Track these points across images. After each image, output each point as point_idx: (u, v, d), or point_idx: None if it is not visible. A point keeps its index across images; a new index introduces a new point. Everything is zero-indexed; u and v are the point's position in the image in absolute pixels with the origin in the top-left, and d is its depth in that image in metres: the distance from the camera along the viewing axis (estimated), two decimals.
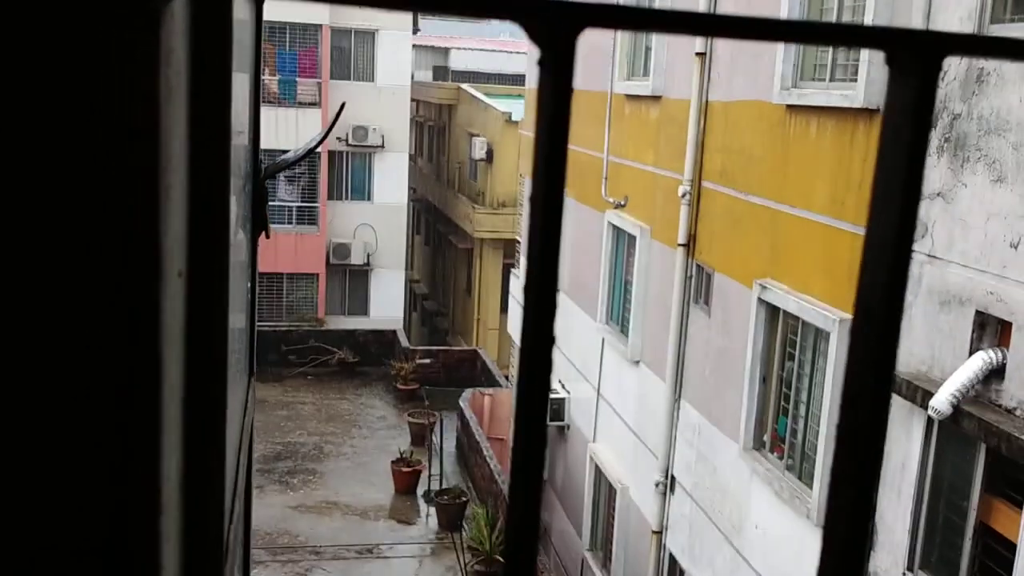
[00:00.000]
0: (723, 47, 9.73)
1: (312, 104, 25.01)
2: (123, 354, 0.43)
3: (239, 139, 1.32)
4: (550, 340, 0.45)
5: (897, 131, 0.46)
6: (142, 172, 0.42)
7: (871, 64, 7.11)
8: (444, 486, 16.91)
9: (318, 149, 24.87)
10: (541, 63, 0.43)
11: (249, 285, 1.57)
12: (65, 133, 0.40)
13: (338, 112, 2.96)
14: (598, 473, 12.94)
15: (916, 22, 6.61)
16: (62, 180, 0.42)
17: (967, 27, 6.16)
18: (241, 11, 1.25)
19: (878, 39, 0.46)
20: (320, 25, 24.90)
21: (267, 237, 1.61)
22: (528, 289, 0.44)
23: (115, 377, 0.42)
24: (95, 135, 0.40)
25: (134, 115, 0.41)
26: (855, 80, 7.43)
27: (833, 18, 7.93)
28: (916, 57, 0.45)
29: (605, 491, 12.78)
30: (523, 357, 0.45)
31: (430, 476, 17.19)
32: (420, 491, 17.29)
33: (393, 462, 17.52)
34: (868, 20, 7.14)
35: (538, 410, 0.46)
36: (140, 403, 0.44)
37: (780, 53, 8.40)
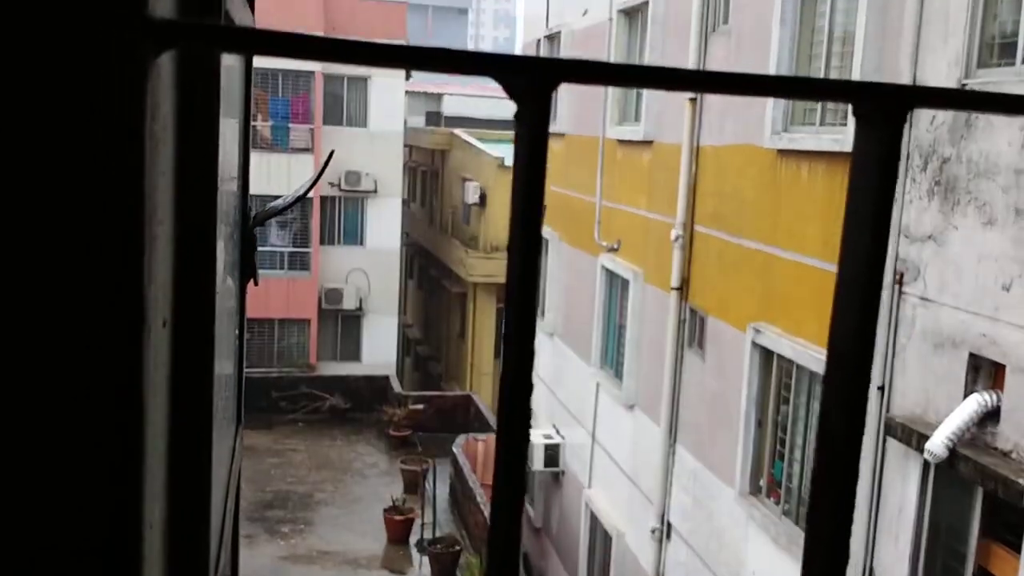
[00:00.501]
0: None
1: (305, 150, 25.17)
2: (105, 402, 0.43)
3: (228, 185, 1.33)
4: (528, 388, 0.46)
5: (864, 181, 0.47)
6: (126, 223, 0.42)
7: None
8: (437, 535, 16.72)
9: (310, 195, 24.99)
10: (517, 117, 0.44)
11: (237, 332, 1.57)
12: (51, 184, 0.41)
13: (326, 160, 2.99)
14: (593, 519, 12.82)
15: (904, 67, 6.71)
16: (47, 231, 0.43)
17: (954, 72, 6.25)
18: (230, 57, 1.27)
19: (845, 92, 0.48)
20: (313, 72, 25.17)
21: (255, 284, 1.62)
22: (507, 339, 0.44)
23: (97, 425, 0.42)
24: (81, 186, 0.41)
25: (119, 168, 0.41)
26: (844, 124, 7.53)
27: (822, 63, 8.06)
28: (882, 109, 0.47)
29: (601, 538, 12.65)
30: (502, 407, 0.45)
31: (423, 524, 17.00)
32: (413, 540, 17.08)
33: (385, 510, 17.32)
34: (856, 64, 7.24)
35: (519, 450, 0.46)
36: (121, 451, 0.45)
37: (770, 98, 8.51)
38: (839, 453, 0.47)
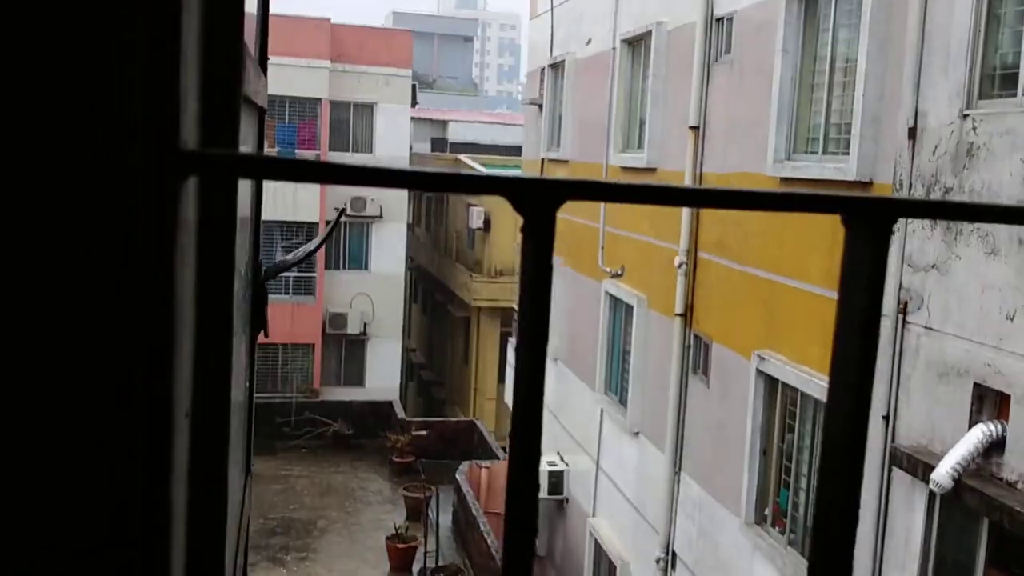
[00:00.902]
0: (716, 119, 9.91)
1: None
2: (137, 504, 0.45)
3: (242, 246, 1.35)
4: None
5: (854, 288, 0.49)
6: (158, 330, 0.45)
7: (863, 138, 7.24)
8: (440, 563, 16.61)
9: (315, 220, 25.09)
10: (523, 230, 0.47)
11: (247, 384, 1.60)
12: (94, 298, 0.44)
13: (338, 216, 3.03)
14: (598, 549, 12.75)
15: (906, 97, 6.75)
16: (93, 342, 0.45)
17: (956, 102, 6.28)
18: (243, 133, 1.30)
19: (832, 205, 0.50)
20: (320, 99, 25.34)
21: (266, 336, 1.64)
22: (513, 438, 0.46)
23: (129, 509, 0.45)
24: (116, 299, 0.43)
25: (153, 279, 0.44)
26: (847, 153, 7.56)
27: (824, 93, 8.11)
28: (868, 221, 0.49)
29: (605, 567, 12.57)
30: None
31: (426, 553, 16.90)
32: (416, 568, 16.98)
33: (388, 538, 17.24)
34: (859, 94, 7.28)
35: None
36: (150, 548, 0.47)
37: (773, 126, 8.56)
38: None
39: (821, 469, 0.53)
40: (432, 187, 0.44)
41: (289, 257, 2.35)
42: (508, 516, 0.45)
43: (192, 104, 0.55)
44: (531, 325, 0.46)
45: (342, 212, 3.17)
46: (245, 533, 1.49)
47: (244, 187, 1.33)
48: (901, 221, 6.85)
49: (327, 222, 25.70)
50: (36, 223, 0.43)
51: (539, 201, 0.45)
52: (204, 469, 0.68)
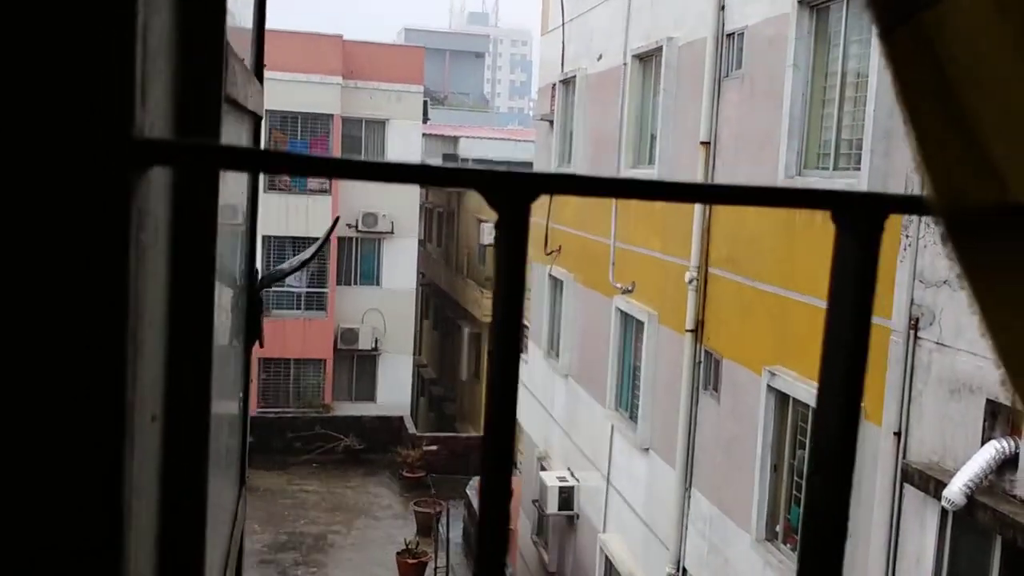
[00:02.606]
0: (727, 135, 9.90)
1: (322, 191, 25.39)
2: (86, 508, 0.44)
3: (234, 252, 1.35)
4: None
5: (844, 286, 0.48)
6: (108, 331, 0.44)
7: (874, 153, 7.22)
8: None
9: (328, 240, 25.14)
10: (497, 226, 0.46)
11: (242, 395, 1.59)
12: (34, 291, 0.43)
13: (332, 225, 3.04)
14: (608, 565, 12.66)
15: None
16: (35, 339, 0.44)
17: None
18: (235, 136, 1.30)
19: (823, 200, 0.48)
20: (331, 115, 25.46)
21: (261, 347, 1.64)
22: (485, 458, 0.45)
23: (75, 504, 0.43)
24: (66, 295, 0.42)
25: (100, 276, 0.43)
26: (859, 168, 7.54)
27: (835, 107, 8.09)
28: (858, 217, 0.48)
29: None
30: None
31: (436, 568, 16.84)
32: None
33: (398, 553, 17.19)
34: (870, 108, 7.26)
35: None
36: (103, 544, 0.45)
37: (784, 142, 8.54)
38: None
39: (808, 475, 0.51)
40: (402, 179, 0.43)
41: (285, 266, 2.35)
42: (481, 510, 0.44)
43: (161, 98, 0.54)
44: (505, 320, 0.45)
45: (336, 221, 3.18)
46: (238, 545, 1.47)
47: (237, 193, 1.33)
48: (913, 236, 6.82)
49: (339, 238, 25.79)
50: None
51: (512, 195, 0.44)
52: (180, 474, 0.67)
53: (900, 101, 0.47)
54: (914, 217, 7.04)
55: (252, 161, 0.40)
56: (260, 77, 1.58)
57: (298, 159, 0.39)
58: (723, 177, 9.93)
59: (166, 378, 0.63)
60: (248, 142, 1.46)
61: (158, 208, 0.54)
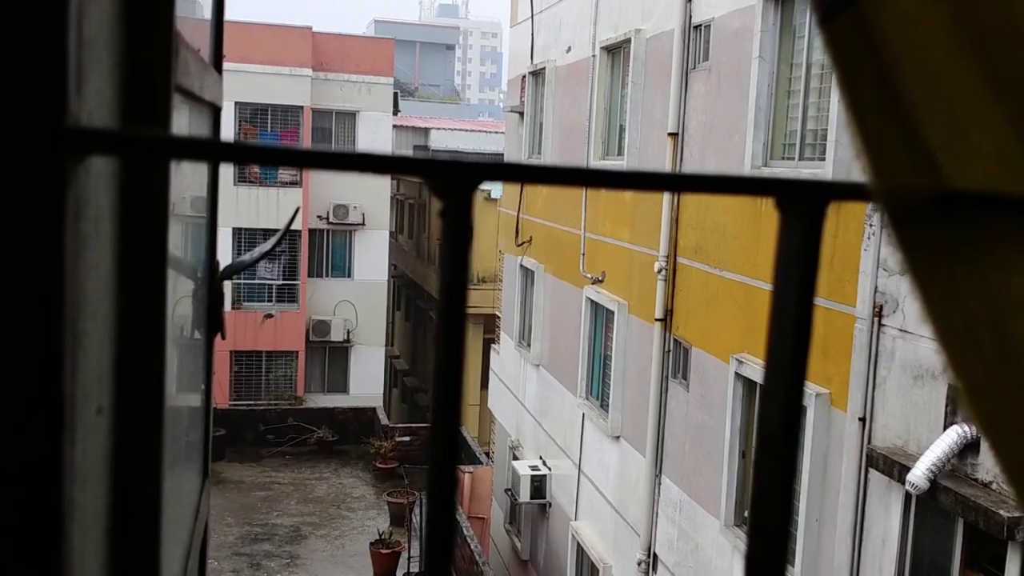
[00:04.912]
0: (695, 127, 9.95)
1: (293, 183, 25.21)
2: (23, 501, 0.44)
3: (195, 243, 1.34)
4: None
5: (787, 273, 0.49)
6: (42, 322, 0.43)
7: (839, 143, 7.29)
8: (424, 568, 16.55)
9: (299, 228, 24.99)
10: (442, 214, 0.46)
11: (204, 387, 1.58)
12: None
13: (292, 216, 3.02)
14: (580, 552, 12.74)
15: None
16: None
17: None
18: (196, 127, 1.28)
19: (766, 188, 0.49)
20: (302, 107, 25.27)
21: (223, 338, 1.63)
22: (432, 437, 0.46)
23: (9, 504, 0.43)
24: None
25: (33, 266, 0.43)
26: (823, 159, 7.61)
27: (800, 99, 8.16)
28: (801, 203, 0.49)
29: (587, 570, 12.56)
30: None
31: (410, 558, 16.86)
32: (400, 573, 16.92)
33: (372, 544, 17.18)
34: (834, 99, 7.34)
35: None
36: (40, 534, 0.45)
37: (750, 132, 8.60)
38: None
39: (756, 461, 0.53)
40: (349, 167, 0.43)
41: (246, 257, 2.35)
42: (428, 484, 0.44)
43: (104, 87, 0.54)
44: (448, 308, 0.46)
45: (296, 212, 3.16)
46: (201, 537, 1.47)
47: (196, 184, 1.32)
48: (876, 226, 6.91)
49: (310, 230, 25.64)
50: None
51: (456, 183, 0.45)
52: (132, 467, 0.66)
53: (841, 89, 0.48)
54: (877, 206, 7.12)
55: (195, 150, 0.40)
56: (219, 67, 1.57)
57: (243, 148, 0.40)
58: (691, 167, 9.98)
59: (115, 370, 0.63)
60: (207, 133, 1.44)
61: (101, 198, 0.53)
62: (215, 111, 1.52)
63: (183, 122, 1.06)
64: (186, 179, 1.09)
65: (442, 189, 0.44)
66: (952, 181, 0.45)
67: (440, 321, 0.45)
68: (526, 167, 0.45)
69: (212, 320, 1.49)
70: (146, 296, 0.65)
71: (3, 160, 0.42)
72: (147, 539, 0.69)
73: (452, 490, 0.43)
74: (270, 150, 0.40)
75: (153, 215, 0.65)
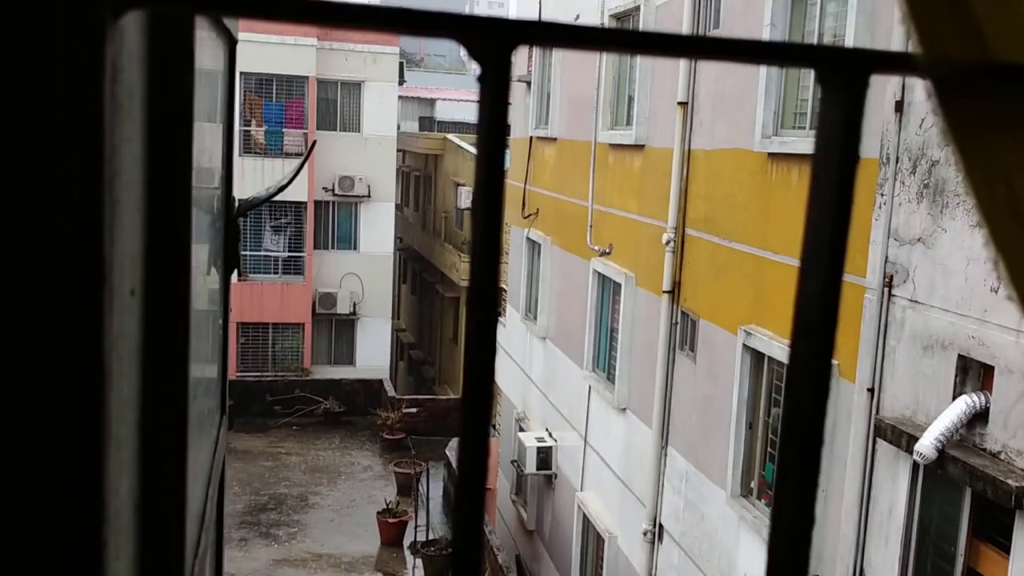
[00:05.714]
0: (705, 96, 9.88)
1: (299, 154, 25.14)
2: (64, 364, 0.43)
3: (210, 178, 1.33)
4: (491, 359, 0.46)
5: (828, 147, 0.47)
6: (82, 185, 0.42)
7: None
8: (431, 537, 16.70)
9: (304, 199, 24.96)
10: (480, 79, 0.45)
11: (221, 321, 1.57)
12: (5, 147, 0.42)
13: (310, 149, 3.00)
14: (586, 522, 12.81)
15: (895, 42, 6.74)
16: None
17: None
18: (212, 59, 1.27)
19: (807, 57, 0.48)
20: (307, 77, 25.15)
21: (239, 277, 1.62)
22: (470, 302, 0.44)
23: (55, 389, 0.42)
24: (32, 149, 0.41)
25: (73, 131, 0.42)
26: None
27: (810, 76, 8.07)
28: (844, 74, 0.47)
29: (593, 540, 12.64)
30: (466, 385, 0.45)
31: (416, 527, 16.98)
32: (407, 542, 17.06)
33: (379, 513, 17.31)
34: (850, 35, 7.24)
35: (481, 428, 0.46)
36: (82, 417, 0.44)
37: (761, 102, 8.53)
38: (805, 421, 0.47)
39: (792, 344, 0.51)
40: (375, 27, 0.41)
41: (261, 193, 2.34)
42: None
43: None
44: (487, 183, 0.44)
45: (313, 145, 3.14)
46: (220, 468, 1.47)
47: (214, 143, 1.30)
48: (888, 195, 6.85)
49: (316, 202, 25.61)
50: None
51: (495, 43, 0.43)
52: (160, 349, 0.66)
53: None
54: (889, 176, 7.06)
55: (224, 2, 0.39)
56: None
57: (269, 1, 0.38)
58: (701, 137, 9.92)
59: (145, 252, 0.62)
60: (224, 63, 1.43)
61: (133, 72, 0.52)
62: (231, 43, 1.50)
63: (204, 52, 1.04)
64: (200, 105, 1.08)
65: (480, 50, 0.42)
66: (998, 54, 0.44)
67: (476, 196, 0.43)
68: (570, 27, 0.43)
69: (229, 256, 1.48)
70: (172, 169, 0.63)
71: (44, 12, 0.40)
72: (175, 419, 0.69)
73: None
74: (310, 5, 0.38)
75: (180, 89, 0.63)
